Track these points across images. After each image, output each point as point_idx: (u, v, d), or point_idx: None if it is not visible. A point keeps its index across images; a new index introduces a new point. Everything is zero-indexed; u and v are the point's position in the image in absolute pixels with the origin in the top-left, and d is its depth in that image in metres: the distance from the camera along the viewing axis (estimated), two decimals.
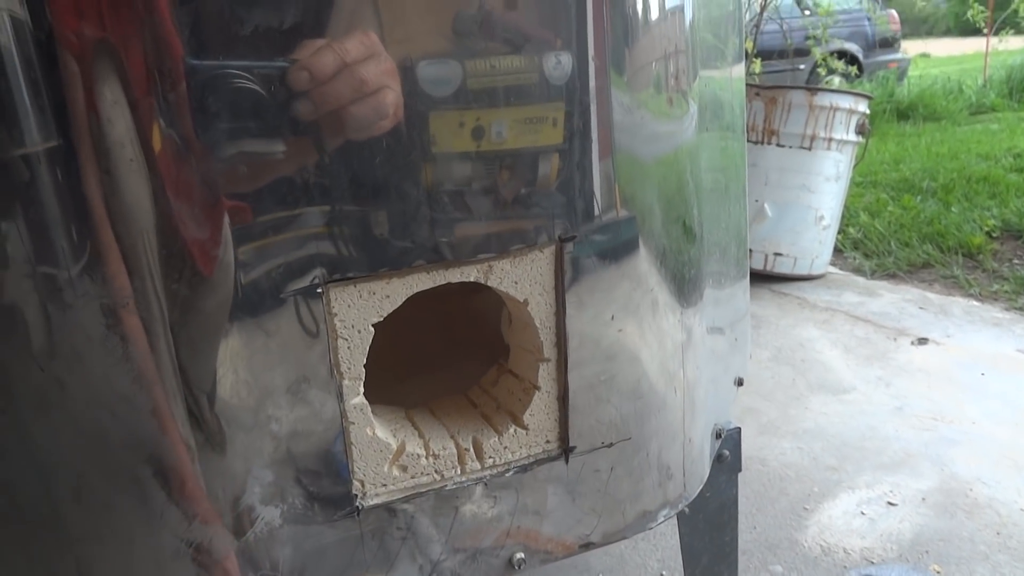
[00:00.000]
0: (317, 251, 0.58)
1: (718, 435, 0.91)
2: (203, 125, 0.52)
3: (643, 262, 0.72)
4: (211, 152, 0.53)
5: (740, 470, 0.96)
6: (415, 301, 0.63)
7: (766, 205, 2.80)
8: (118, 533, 0.62)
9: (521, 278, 0.66)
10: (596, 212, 0.68)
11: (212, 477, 0.60)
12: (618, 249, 0.70)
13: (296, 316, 0.59)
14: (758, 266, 2.85)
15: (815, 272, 2.89)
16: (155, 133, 0.52)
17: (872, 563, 1.28)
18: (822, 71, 4.86)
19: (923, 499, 1.46)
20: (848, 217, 3.42)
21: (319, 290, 0.59)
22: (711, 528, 0.97)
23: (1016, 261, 2.82)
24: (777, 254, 2.83)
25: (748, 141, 2.80)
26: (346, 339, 0.61)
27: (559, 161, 0.65)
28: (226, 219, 0.55)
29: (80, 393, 0.58)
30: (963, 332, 2.28)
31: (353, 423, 0.63)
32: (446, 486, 0.68)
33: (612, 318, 0.71)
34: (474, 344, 1.05)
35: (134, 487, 0.60)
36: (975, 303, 2.54)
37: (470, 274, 0.64)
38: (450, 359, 1.04)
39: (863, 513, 1.43)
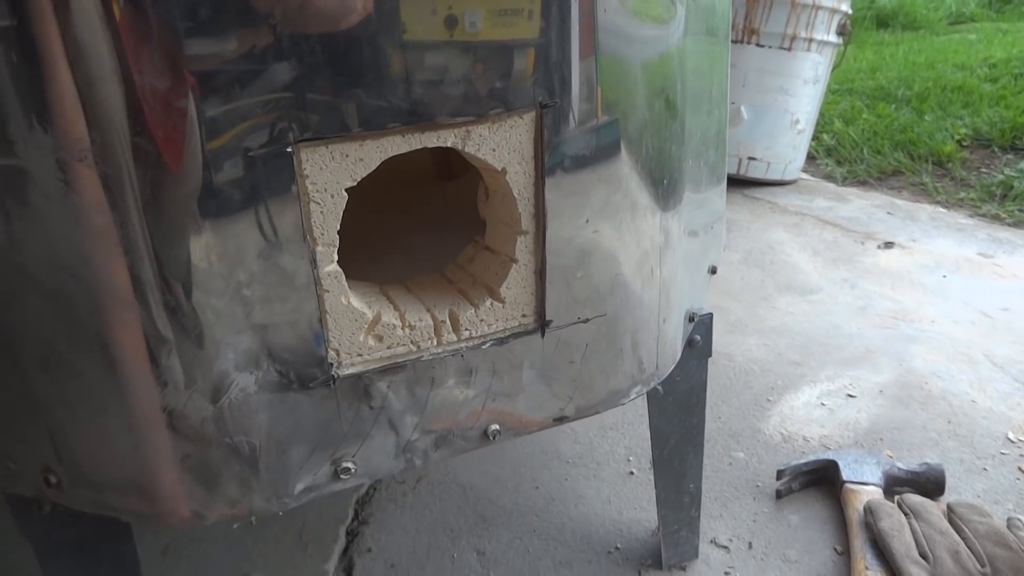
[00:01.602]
0: (287, 110, 0.55)
1: (691, 319, 0.92)
2: None
3: (624, 164, 0.70)
4: (173, 7, 0.49)
5: (710, 355, 0.97)
6: (388, 188, 0.61)
7: (743, 108, 2.76)
8: (89, 400, 0.62)
9: (499, 145, 0.64)
10: (580, 94, 0.65)
11: (183, 343, 0.59)
12: (601, 147, 0.68)
13: (266, 177, 0.56)
14: (732, 170, 2.84)
15: (788, 177, 2.90)
16: None
17: (829, 449, 1.33)
18: None
19: (881, 391, 1.51)
20: (823, 124, 3.40)
21: (289, 149, 0.56)
22: (680, 411, 0.99)
23: (984, 169, 2.85)
24: (751, 158, 2.82)
25: None
26: (319, 203, 0.59)
27: (534, 57, 0.62)
28: (190, 73, 0.52)
29: (40, 254, 0.56)
30: (928, 237, 2.32)
31: (327, 291, 0.62)
32: (422, 356, 0.68)
33: (586, 221, 0.70)
34: (452, 227, 1.04)
35: (101, 353, 0.59)
36: (941, 209, 2.58)
37: (447, 138, 0.62)
38: (424, 244, 1.03)
39: (823, 404, 1.48)
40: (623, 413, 1.45)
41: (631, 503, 1.23)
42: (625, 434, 1.41)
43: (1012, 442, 1.33)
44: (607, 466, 1.33)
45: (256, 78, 0.54)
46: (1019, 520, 1.06)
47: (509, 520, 1.21)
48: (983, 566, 0.97)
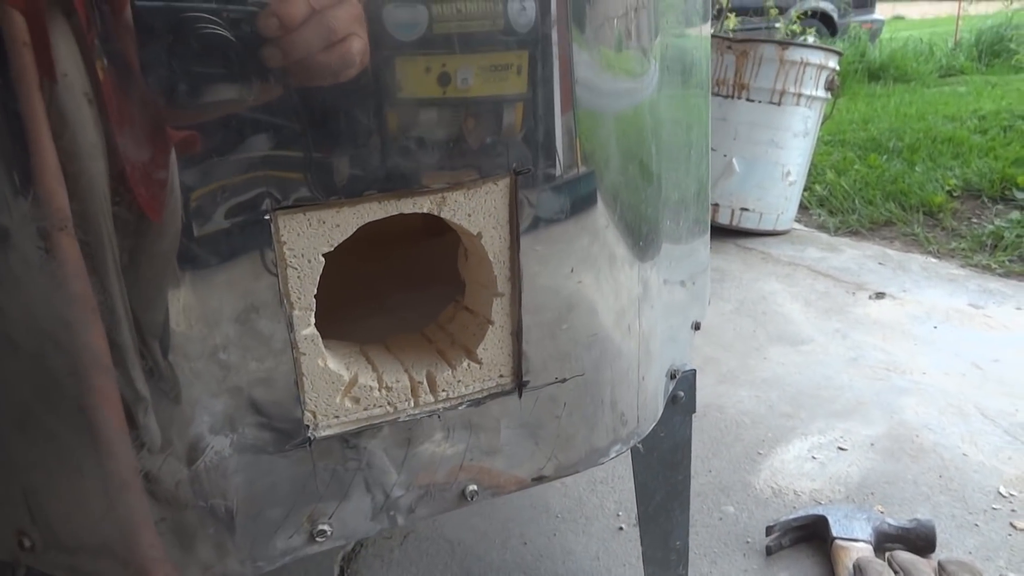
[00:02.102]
0: (265, 178, 0.57)
1: (672, 376, 0.92)
2: (151, 57, 0.51)
3: (601, 217, 0.72)
4: (157, 82, 0.52)
5: (694, 411, 0.98)
6: (376, 244, 0.63)
7: (734, 160, 2.80)
8: (64, 463, 0.62)
9: (475, 210, 0.65)
10: (554, 154, 0.67)
11: (160, 406, 0.59)
12: (577, 203, 0.70)
13: (244, 244, 0.58)
14: (724, 221, 2.87)
15: (780, 228, 2.92)
16: (99, 65, 0.50)
17: (819, 503, 1.32)
18: (794, 28, 4.85)
19: (872, 444, 1.51)
20: (815, 175, 3.45)
21: (267, 217, 0.57)
22: (664, 467, 0.99)
23: (974, 220, 2.88)
24: (743, 209, 2.85)
25: (719, 95, 2.80)
26: (296, 268, 0.60)
27: (523, 111, 0.64)
28: (172, 145, 0.54)
29: (20, 319, 0.57)
30: (919, 287, 2.33)
31: (304, 353, 0.63)
32: (399, 418, 0.68)
33: (571, 271, 0.71)
34: (434, 288, 1.05)
35: (78, 416, 0.60)
36: (933, 260, 2.60)
37: (423, 204, 0.63)
38: (409, 301, 1.04)
39: (814, 457, 1.47)
40: (613, 467, 1.45)
41: (620, 560, 1.22)
42: (615, 488, 1.40)
43: (1004, 496, 1.32)
44: (596, 521, 1.31)
45: (236, 150, 0.55)
46: None
47: None
48: None
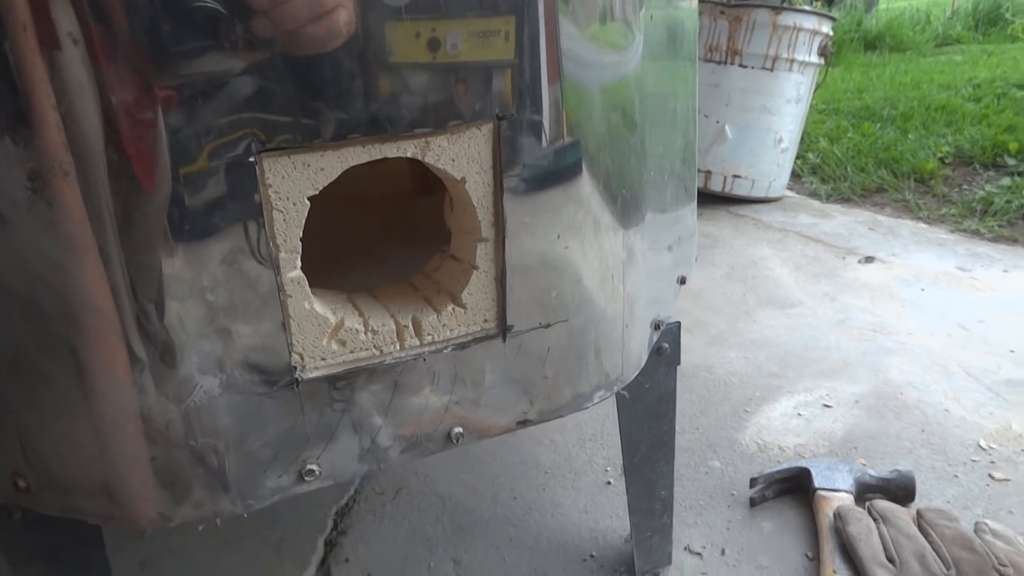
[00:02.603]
0: (250, 122, 0.57)
1: (656, 326, 0.94)
2: (139, 26, 0.51)
3: (586, 185, 0.73)
4: (146, 48, 0.52)
5: (678, 363, 0.99)
6: (368, 203, 0.63)
7: (727, 127, 2.80)
8: (57, 404, 0.63)
9: (458, 155, 0.66)
10: (539, 101, 0.68)
11: (149, 347, 0.61)
12: (562, 171, 0.71)
13: (231, 186, 0.59)
14: (717, 188, 2.88)
15: (772, 195, 2.93)
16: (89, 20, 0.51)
17: (803, 457, 1.35)
18: None
19: (856, 402, 1.53)
20: (808, 143, 3.45)
21: (252, 160, 0.58)
22: (649, 418, 1.01)
23: (965, 186, 2.89)
24: (736, 176, 2.85)
25: (712, 61, 2.79)
26: (281, 211, 0.61)
27: (511, 77, 0.65)
28: (158, 88, 0.54)
29: (9, 261, 0.58)
30: (908, 252, 2.35)
31: (291, 296, 0.64)
32: (385, 361, 0.70)
33: (558, 236, 0.73)
34: (426, 240, 1.06)
35: (70, 357, 0.61)
36: (923, 225, 2.61)
37: (407, 149, 0.64)
38: (399, 256, 1.05)
39: (799, 415, 1.50)
40: (602, 424, 1.47)
41: (608, 512, 1.25)
42: (604, 445, 1.42)
43: (984, 449, 1.35)
44: (585, 476, 1.34)
45: (221, 93, 0.56)
46: (986, 524, 1.08)
47: (486, 530, 1.22)
48: (948, 569, 0.99)
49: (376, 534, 1.22)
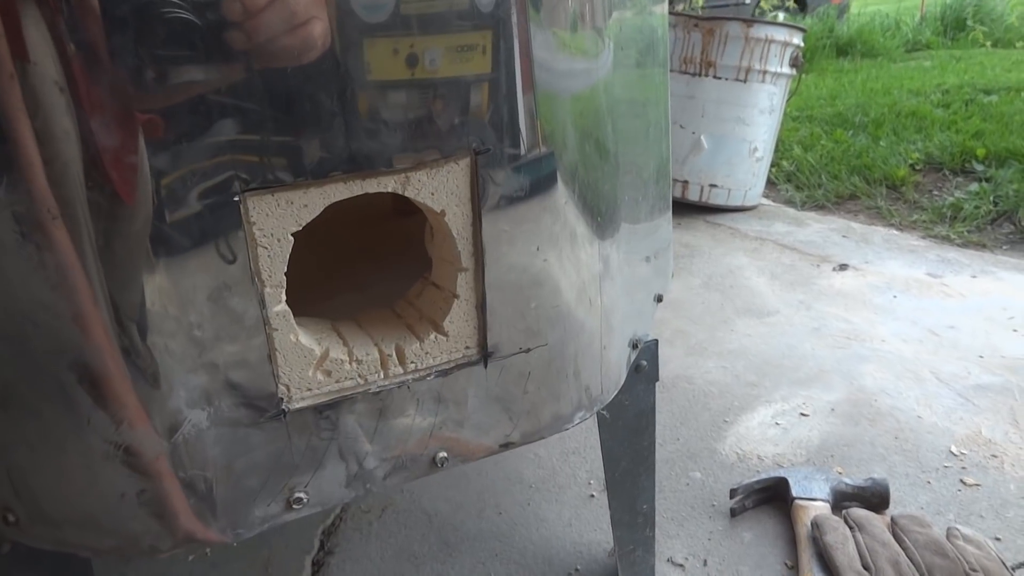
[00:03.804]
0: (234, 161, 0.59)
1: (635, 345, 0.96)
2: (117, 43, 0.52)
3: (561, 196, 0.75)
4: (125, 67, 0.53)
5: (657, 379, 1.02)
6: (348, 225, 0.65)
7: (703, 137, 2.85)
8: (47, 439, 0.64)
9: (438, 189, 0.68)
10: (516, 132, 0.70)
11: (137, 382, 0.62)
12: (537, 182, 0.73)
13: (215, 225, 0.60)
14: (694, 197, 2.92)
15: (748, 203, 2.98)
16: (68, 51, 0.52)
17: (781, 466, 1.38)
18: (765, 5, 4.90)
19: (832, 409, 1.57)
20: (783, 150, 3.51)
21: (237, 199, 0.60)
22: (630, 434, 1.04)
23: (935, 192, 2.96)
24: (712, 185, 2.90)
25: (687, 73, 2.83)
26: (266, 248, 0.63)
27: (488, 91, 0.67)
28: (141, 129, 0.56)
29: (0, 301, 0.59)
30: (881, 259, 2.40)
31: (276, 329, 0.66)
32: (370, 389, 0.71)
33: (537, 249, 0.75)
34: (407, 262, 1.08)
35: (60, 393, 0.62)
36: (895, 232, 2.67)
37: (387, 184, 0.66)
38: (380, 279, 1.07)
39: (777, 424, 1.53)
40: (585, 438, 1.49)
41: (592, 525, 1.27)
42: (586, 458, 1.45)
43: (955, 455, 1.39)
44: (569, 490, 1.36)
45: (204, 134, 0.58)
46: (958, 530, 1.11)
47: (472, 546, 1.23)
48: (921, 575, 1.02)
49: (363, 552, 1.23)
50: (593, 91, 0.77)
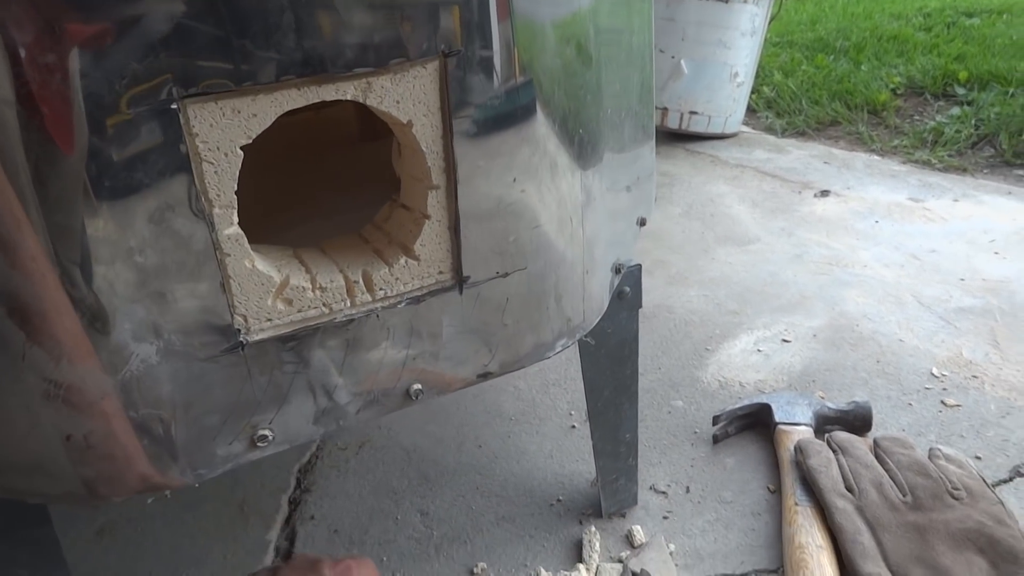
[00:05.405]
0: (169, 64, 0.52)
1: (617, 270, 0.92)
2: None
3: (541, 126, 0.69)
4: None
5: (640, 306, 0.98)
6: (312, 151, 0.59)
7: (683, 62, 2.76)
8: None
9: (403, 97, 0.62)
10: (488, 35, 0.63)
11: (76, 314, 0.56)
12: (516, 112, 0.67)
13: (152, 137, 0.53)
14: (674, 125, 2.85)
15: (728, 131, 2.91)
16: None
17: (763, 393, 1.37)
18: None
19: (814, 335, 1.55)
20: (763, 77, 3.43)
21: (174, 106, 0.53)
22: (612, 363, 1.00)
23: (916, 117, 2.91)
24: (692, 112, 2.82)
25: None
26: (212, 163, 0.56)
27: (459, 13, 0.60)
28: (65, 28, 0.48)
29: None
30: (862, 184, 2.37)
31: (229, 254, 0.60)
32: (335, 319, 0.66)
33: (514, 180, 0.69)
34: (374, 188, 1.01)
35: None
36: (876, 157, 2.63)
37: (346, 91, 0.59)
38: (346, 205, 1.00)
39: (759, 351, 1.51)
40: (565, 370, 1.47)
41: (573, 456, 1.25)
42: (567, 390, 1.42)
43: (936, 377, 1.38)
44: (549, 422, 1.34)
45: (137, 31, 0.51)
46: (939, 450, 1.11)
47: (452, 479, 1.21)
48: (904, 495, 1.01)
49: (341, 489, 1.20)
50: (576, 17, 0.71)
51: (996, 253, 1.84)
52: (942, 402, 1.31)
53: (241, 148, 0.57)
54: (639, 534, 1.07)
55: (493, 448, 1.28)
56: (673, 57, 2.77)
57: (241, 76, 0.55)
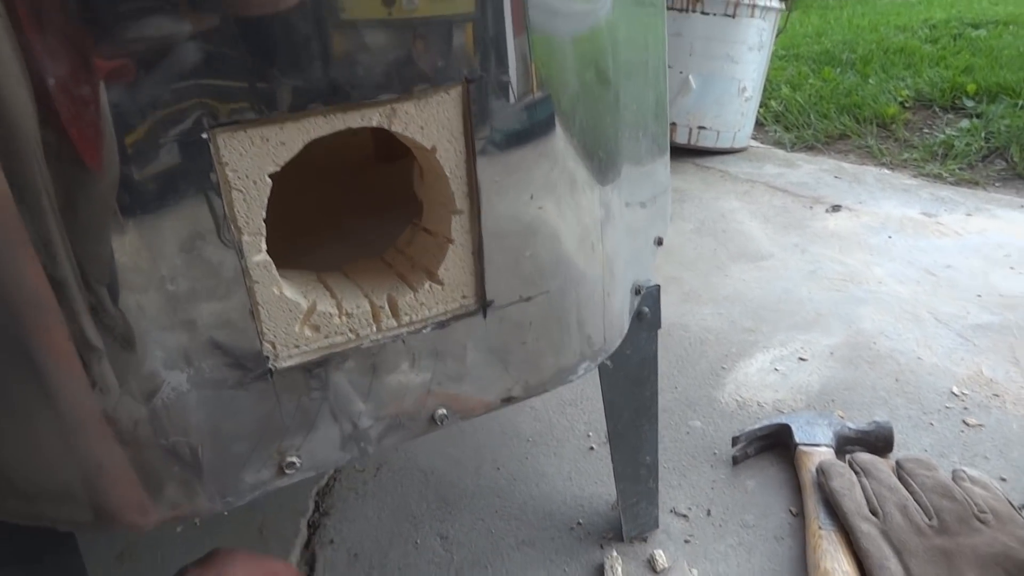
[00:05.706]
0: (199, 93, 0.52)
1: (637, 291, 0.92)
2: None
3: (559, 141, 0.69)
4: (82, 10, 0.46)
5: (659, 327, 0.97)
6: (331, 172, 0.59)
7: (691, 77, 2.77)
8: (14, 409, 0.59)
9: (427, 122, 0.62)
10: (506, 62, 0.63)
11: (108, 343, 0.56)
12: (534, 127, 0.67)
13: (183, 167, 0.54)
14: (683, 140, 2.85)
15: (738, 145, 2.92)
16: None
17: (782, 412, 1.36)
18: None
19: (831, 353, 1.54)
20: (770, 90, 3.44)
21: (205, 135, 0.53)
22: (632, 384, 1.00)
23: (926, 130, 2.91)
24: (701, 127, 2.83)
25: (673, 9, 2.73)
26: (241, 191, 0.57)
27: (473, 31, 0.60)
28: (98, 65, 0.49)
29: None
30: (874, 198, 2.36)
31: (257, 282, 0.60)
32: (362, 344, 0.66)
33: (531, 197, 0.69)
34: (393, 209, 1.02)
35: (24, 359, 0.56)
36: (886, 171, 2.62)
37: (372, 118, 0.60)
38: (367, 227, 1.01)
39: (776, 369, 1.51)
40: (582, 389, 1.46)
41: (592, 478, 1.24)
42: (584, 410, 1.41)
43: (956, 396, 1.37)
44: (567, 443, 1.33)
45: (167, 62, 0.51)
46: (964, 472, 1.09)
47: (471, 502, 1.20)
48: (930, 519, 1.00)
49: (360, 512, 1.20)
50: (594, 32, 0.71)
51: (1012, 268, 1.83)
52: (964, 421, 1.30)
53: (269, 176, 0.58)
54: (661, 559, 1.06)
55: (511, 470, 1.27)
56: (681, 72, 2.78)
57: (269, 105, 0.55)
